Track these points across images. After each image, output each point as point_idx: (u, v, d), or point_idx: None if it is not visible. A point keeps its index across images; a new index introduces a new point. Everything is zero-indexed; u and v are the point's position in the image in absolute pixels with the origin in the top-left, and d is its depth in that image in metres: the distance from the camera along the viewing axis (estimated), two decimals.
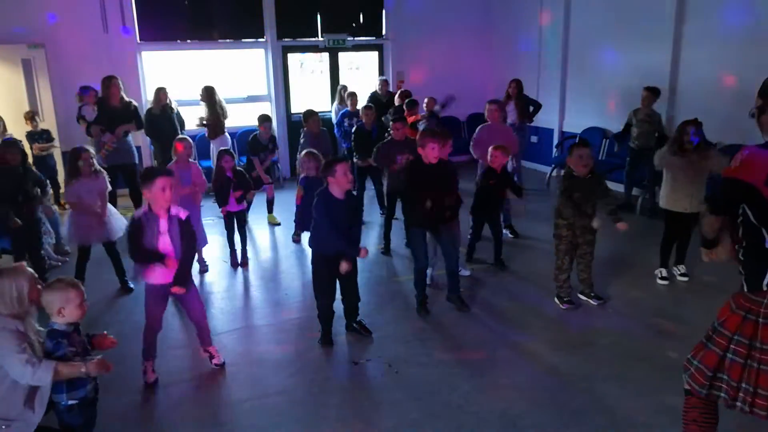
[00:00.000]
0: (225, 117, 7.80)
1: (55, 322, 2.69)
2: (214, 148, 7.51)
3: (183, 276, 3.54)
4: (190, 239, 3.56)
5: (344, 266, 3.92)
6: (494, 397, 3.51)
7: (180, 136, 6.16)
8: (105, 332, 2.96)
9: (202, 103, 7.82)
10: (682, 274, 5.13)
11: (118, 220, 5.12)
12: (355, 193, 4.68)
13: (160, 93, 7.56)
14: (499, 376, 3.75)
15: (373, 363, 3.96)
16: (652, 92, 6.92)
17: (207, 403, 3.55)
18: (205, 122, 7.79)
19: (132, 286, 5.21)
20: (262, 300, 5.09)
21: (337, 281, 4.14)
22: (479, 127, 6.26)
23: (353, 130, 7.03)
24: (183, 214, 3.51)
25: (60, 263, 5.84)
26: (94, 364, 2.66)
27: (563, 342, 4.17)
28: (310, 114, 6.81)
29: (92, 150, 5.02)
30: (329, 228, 3.88)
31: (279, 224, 7.04)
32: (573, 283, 4.76)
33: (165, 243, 3.45)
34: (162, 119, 7.50)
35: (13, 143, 5.30)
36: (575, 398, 3.48)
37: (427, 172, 4.45)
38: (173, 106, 7.71)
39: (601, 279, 5.01)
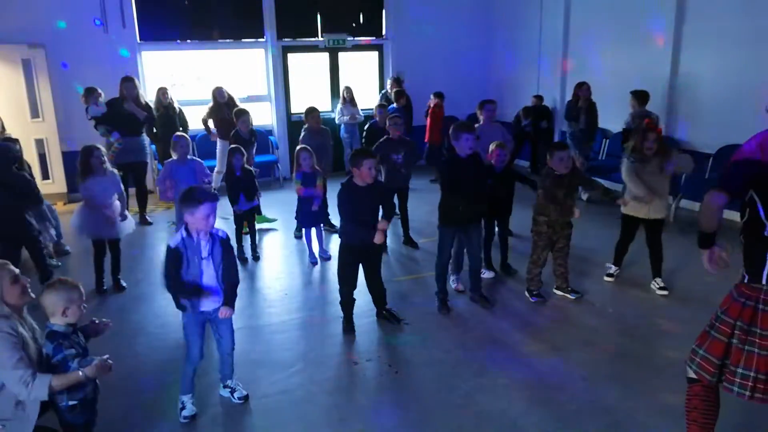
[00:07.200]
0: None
1: (55, 323, 2.65)
2: (222, 148, 7.50)
3: (232, 297, 3.30)
4: (234, 258, 3.33)
5: (378, 237, 4.05)
6: (494, 397, 3.51)
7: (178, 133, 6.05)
8: (94, 319, 2.94)
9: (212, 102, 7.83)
10: (660, 288, 4.86)
11: (128, 219, 5.10)
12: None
13: (160, 93, 7.57)
14: (499, 376, 3.74)
15: (373, 363, 3.96)
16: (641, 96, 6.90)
17: (207, 404, 3.55)
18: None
19: (124, 285, 5.24)
20: (261, 300, 5.08)
21: (361, 271, 4.34)
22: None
23: (365, 128, 7.09)
24: (223, 233, 3.25)
25: (60, 264, 5.82)
26: (93, 368, 2.62)
27: (563, 342, 4.17)
28: (310, 110, 6.79)
29: (103, 148, 5.00)
30: (349, 218, 4.08)
31: (275, 220, 7.09)
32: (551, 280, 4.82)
33: (209, 268, 3.18)
34: (163, 119, 7.51)
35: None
36: (575, 398, 3.48)
37: (463, 166, 4.36)
38: (175, 106, 7.71)
39: (602, 279, 5.03)
